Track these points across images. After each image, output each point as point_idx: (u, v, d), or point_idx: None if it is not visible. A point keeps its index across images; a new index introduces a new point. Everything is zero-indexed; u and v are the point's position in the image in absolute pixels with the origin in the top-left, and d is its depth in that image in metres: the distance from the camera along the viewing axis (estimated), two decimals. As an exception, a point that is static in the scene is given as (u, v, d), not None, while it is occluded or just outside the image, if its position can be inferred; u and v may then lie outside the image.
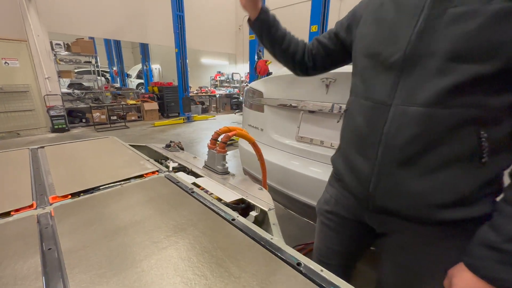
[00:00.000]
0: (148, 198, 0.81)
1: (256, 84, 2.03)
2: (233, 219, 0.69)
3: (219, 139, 1.04)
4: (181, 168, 1.14)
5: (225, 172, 1.02)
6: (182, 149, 1.37)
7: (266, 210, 0.78)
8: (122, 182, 0.93)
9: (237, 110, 10.69)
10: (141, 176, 1.00)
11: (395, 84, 0.58)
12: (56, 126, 6.26)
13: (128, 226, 0.66)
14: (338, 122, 0.84)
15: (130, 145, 1.44)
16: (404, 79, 0.58)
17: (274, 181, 1.63)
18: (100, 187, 0.89)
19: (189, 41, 7.82)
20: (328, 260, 0.88)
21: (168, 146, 1.37)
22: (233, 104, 11.32)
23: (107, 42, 11.03)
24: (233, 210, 0.77)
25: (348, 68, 1.32)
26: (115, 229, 0.65)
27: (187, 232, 0.64)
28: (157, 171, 1.05)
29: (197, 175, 1.05)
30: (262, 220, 0.83)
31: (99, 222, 0.68)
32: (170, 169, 1.10)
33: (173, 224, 0.67)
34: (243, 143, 2.22)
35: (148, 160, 1.17)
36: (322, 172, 1.40)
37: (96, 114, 7.11)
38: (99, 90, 7.75)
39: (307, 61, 0.85)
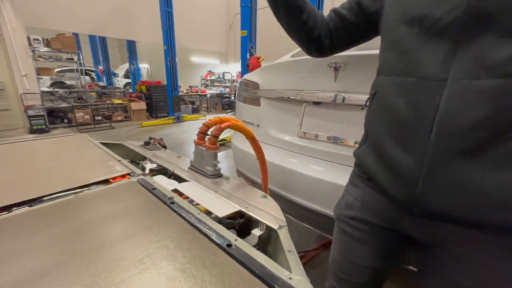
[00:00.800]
0: (110, 213, 0.58)
1: (251, 76, 1.82)
2: (230, 245, 0.47)
3: (209, 132, 0.81)
4: (161, 170, 0.90)
5: (217, 175, 0.79)
6: (165, 147, 1.14)
7: (275, 228, 0.56)
8: (78, 190, 0.69)
9: (228, 110, 10.45)
10: (106, 181, 0.76)
11: (451, 52, 0.45)
12: (34, 127, 5.85)
13: (65, 261, 0.42)
14: (362, 109, 0.66)
15: (101, 143, 1.19)
16: (466, 45, 0.43)
17: (271, 182, 1.41)
18: (44, 198, 0.64)
19: (179, 39, 7.54)
20: (350, 277, 0.71)
21: (147, 143, 1.13)
22: (224, 103, 11.07)
23: (92, 39, 10.56)
24: (228, 228, 0.55)
25: (360, 50, 1.13)
26: (43, 269, 0.41)
27: (159, 270, 0.41)
28: (129, 174, 0.81)
29: (180, 179, 0.82)
30: (267, 239, 0.61)
31: (24, 254, 0.44)
32: (147, 171, 0.87)
33: (140, 255, 0.44)
34: (237, 140, 1.99)
35: (119, 161, 0.93)
36: (329, 173, 1.19)
37: (79, 114, 6.72)
38: (82, 88, 7.34)
39: (323, 37, 0.71)
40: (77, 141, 1.23)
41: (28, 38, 5.89)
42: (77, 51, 6.84)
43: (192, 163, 0.86)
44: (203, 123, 0.82)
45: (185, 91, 10.25)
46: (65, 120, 6.84)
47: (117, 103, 7.68)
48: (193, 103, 10.13)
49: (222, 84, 12.13)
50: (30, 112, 5.73)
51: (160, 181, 0.80)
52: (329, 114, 1.30)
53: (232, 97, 10.84)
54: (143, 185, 0.73)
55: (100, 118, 7.14)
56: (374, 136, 0.59)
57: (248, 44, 5.47)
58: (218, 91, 11.34)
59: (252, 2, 5.29)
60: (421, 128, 0.48)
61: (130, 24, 8.12)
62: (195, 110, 9.94)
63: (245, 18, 5.33)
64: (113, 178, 0.78)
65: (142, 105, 7.95)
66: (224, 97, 11.19)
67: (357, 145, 0.80)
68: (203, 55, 12.86)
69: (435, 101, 0.45)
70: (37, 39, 6.14)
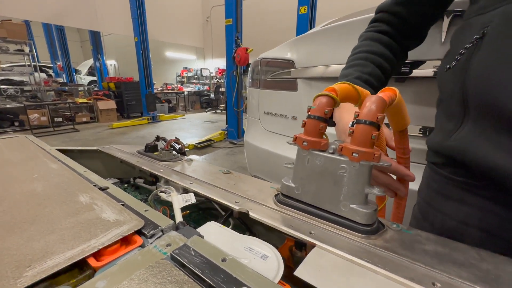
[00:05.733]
0: None
1: (277, 52, 1.35)
2: None
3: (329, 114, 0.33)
4: (199, 206, 0.40)
5: (374, 224, 0.32)
6: (184, 153, 0.63)
7: None
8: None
9: (208, 109, 9.78)
10: (79, 265, 0.25)
11: None
12: (-26, 132, 4.79)
13: None
14: (448, 69, 0.40)
15: (60, 150, 0.65)
16: None
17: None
18: None
19: (151, 32, 6.75)
20: None
21: (151, 148, 0.61)
22: (203, 102, 10.37)
23: (47, 30, 9.20)
24: None
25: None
26: None
27: None
28: (139, 231, 0.31)
29: (264, 232, 0.34)
30: None
31: None
32: (178, 217, 0.36)
33: None
34: (252, 136, 1.51)
35: (104, 190, 0.41)
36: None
37: (34, 116, 5.68)
38: (36, 85, 6.26)
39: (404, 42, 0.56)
40: (14, 147, 0.66)
41: (-39, 23, 4.80)
42: (28, 41, 5.77)
43: (289, 190, 0.37)
44: (319, 96, 0.34)
45: (160, 88, 9.41)
46: (16, 123, 5.75)
47: (81, 102, 6.69)
48: (169, 101, 9.32)
49: (200, 81, 11.41)
50: (-33, 114, 4.67)
51: (222, 242, 0.30)
52: (425, 94, 0.88)
53: (212, 95, 10.18)
54: (199, 277, 0.23)
55: (60, 119, 6.13)
56: (503, 107, 0.32)
57: (233, 34, 4.94)
58: (196, 89, 10.62)
59: (237, -13, 4.78)
60: None
61: (93, 13, 7.15)
62: (172, 109, 9.15)
63: (230, 5, 4.80)
64: (99, 253, 0.27)
65: (111, 104, 7.04)
66: (203, 95, 10.50)
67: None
68: (178, 50, 11.98)
69: None
70: (-26, 25, 5.04)
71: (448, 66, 0.42)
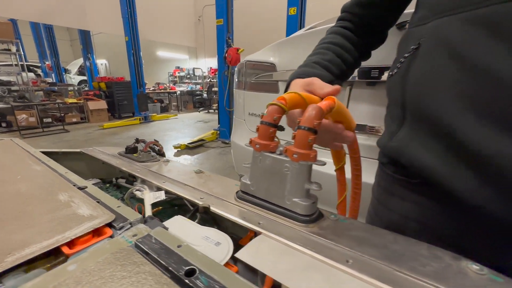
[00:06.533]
0: None
1: (261, 55, 1.39)
2: None
3: (282, 121, 0.39)
4: (172, 202, 0.45)
5: (314, 214, 0.37)
6: (163, 154, 0.67)
7: None
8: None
9: (201, 108, 9.78)
10: (54, 253, 0.30)
11: None
12: (-41, 134, 4.70)
13: None
14: (391, 76, 0.47)
15: (44, 152, 0.68)
16: None
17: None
18: None
19: (142, 31, 6.70)
20: None
21: (131, 150, 0.65)
22: (196, 101, 10.36)
23: (35, 29, 9.05)
24: None
25: None
26: None
27: None
28: (110, 224, 0.35)
29: (221, 223, 0.39)
30: None
31: None
32: (147, 211, 0.41)
33: None
34: (239, 137, 1.56)
35: (83, 189, 0.46)
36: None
37: (22, 116, 5.60)
38: (24, 85, 6.16)
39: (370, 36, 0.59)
40: (0, 151, 0.70)
41: None
42: (15, 40, 5.67)
43: (246, 187, 0.42)
44: (270, 105, 0.39)
45: (152, 88, 9.36)
46: (3, 124, 5.67)
47: (70, 103, 6.62)
48: (161, 101, 9.28)
49: (192, 81, 11.39)
50: (-48, 115, 4.58)
51: (184, 232, 0.35)
52: (393, 97, 0.94)
53: (204, 94, 10.18)
54: (155, 260, 0.28)
55: (49, 120, 6.06)
56: (431, 113, 0.37)
57: (225, 34, 4.97)
58: (189, 88, 10.60)
59: (228, -13, 4.81)
60: None
61: (82, 11, 7.05)
62: (164, 109, 9.12)
63: (221, 5, 4.82)
64: (72, 242, 0.32)
65: (102, 104, 6.98)
66: (196, 95, 10.49)
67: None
68: (170, 49, 11.91)
69: None
70: (-42, 24, 4.93)
71: (391, 73, 0.48)
